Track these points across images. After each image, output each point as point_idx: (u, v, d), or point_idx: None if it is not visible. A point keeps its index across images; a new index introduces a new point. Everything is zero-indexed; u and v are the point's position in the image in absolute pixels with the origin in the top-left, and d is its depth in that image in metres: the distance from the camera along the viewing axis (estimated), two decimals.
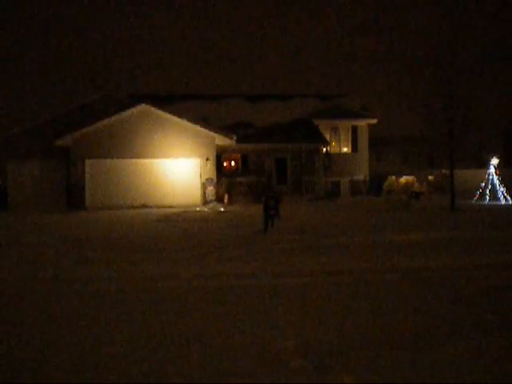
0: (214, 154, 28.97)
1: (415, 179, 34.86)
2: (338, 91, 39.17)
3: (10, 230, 18.05)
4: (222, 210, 25.25)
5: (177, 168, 28.36)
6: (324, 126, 34.23)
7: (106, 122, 28.11)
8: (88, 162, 27.86)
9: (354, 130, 35.08)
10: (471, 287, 8.39)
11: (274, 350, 5.55)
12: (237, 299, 7.76)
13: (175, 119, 28.59)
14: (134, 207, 26.75)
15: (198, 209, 25.55)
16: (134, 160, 28.01)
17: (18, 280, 9.42)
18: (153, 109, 28.53)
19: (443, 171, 33.49)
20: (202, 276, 9.56)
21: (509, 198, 28.85)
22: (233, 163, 32.93)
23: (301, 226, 17.91)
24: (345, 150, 35.29)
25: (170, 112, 29.27)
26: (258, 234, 15.99)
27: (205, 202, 27.71)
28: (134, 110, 28.34)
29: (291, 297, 7.87)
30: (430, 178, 37.15)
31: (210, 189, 28.17)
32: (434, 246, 12.96)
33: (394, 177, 35.55)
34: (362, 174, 34.74)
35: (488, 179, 29.63)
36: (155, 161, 28.17)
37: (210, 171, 28.52)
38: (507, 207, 25.94)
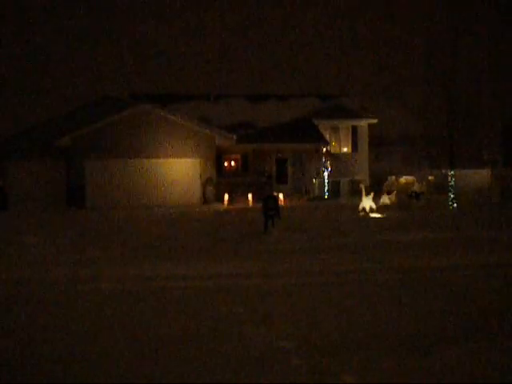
0: (214, 154, 28.97)
1: (415, 179, 34.82)
2: (338, 91, 39.18)
3: (9, 230, 18.04)
4: (222, 209, 25.25)
5: (177, 168, 28.36)
6: (324, 126, 34.21)
7: (106, 121, 28.10)
8: (88, 162, 27.85)
9: (354, 129, 35.06)
10: (471, 287, 8.38)
11: (274, 350, 5.54)
12: (237, 299, 7.76)
13: (175, 119, 28.58)
14: (134, 207, 26.74)
15: (197, 209, 25.57)
16: (134, 160, 28.01)
17: (18, 280, 9.41)
18: (153, 109, 28.52)
19: (443, 171, 33.49)
20: (201, 276, 9.55)
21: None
22: (233, 163, 32.93)
23: (301, 226, 17.90)
24: (345, 149, 35.28)
25: (170, 112, 29.27)
26: (258, 233, 15.98)
27: (205, 202, 27.71)
28: (134, 110, 28.34)
29: (291, 297, 7.86)
30: (430, 178, 37.12)
31: (210, 189, 28.17)
32: (435, 245, 12.95)
33: (394, 177, 35.53)
34: (362, 174, 34.72)
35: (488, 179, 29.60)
36: (155, 161, 28.16)
37: (210, 171, 28.52)
38: (506, 207, 25.89)
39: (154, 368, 5.13)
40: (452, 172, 24.68)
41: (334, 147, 34.71)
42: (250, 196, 28.20)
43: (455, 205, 23.98)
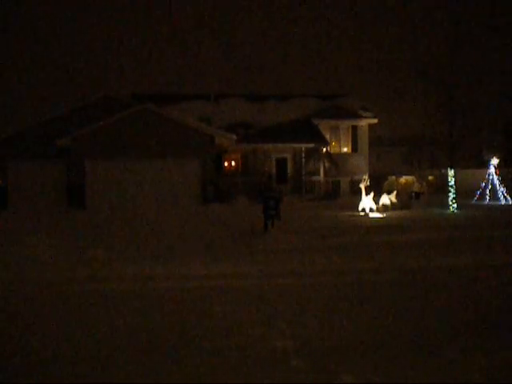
0: (214, 154, 28.99)
1: (415, 179, 34.87)
2: (338, 91, 39.18)
3: (9, 230, 18.04)
4: (222, 209, 25.24)
5: (177, 168, 28.38)
6: (324, 126, 34.24)
7: (106, 122, 28.12)
8: (88, 162, 27.87)
9: (354, 129, 35.10)
10: (471, 287, 8.39)
11: (274, 350, 5.55)
12: (236, 299, 7.76)
13: (175, 119, 28.60)
14: (134, 207, 26.76)
15: (197, 209, 25.57)
16: (134, 160, 28.03)
17: (18, 280, 9.42)
18: (153, 109, 28.54)
19: (443, 171, 33.51)
20: (201, 276, 9.56)
21: (509, 197, 28.87)
22: (233, 163, 32.95)
23: (301, 226, 17.90)
24: (345, 149, 35.31)
25: (170, 112, 29.28)
26: (258, 234, 15.99)
27: (205, 202, 27.72)
28: (134, 110, 28.35)
29: (291, 297, 7.87)
30: (430, 177, 37.17)
31: (210, 189, 28.19)
32: (434, 245, 12.96)
33: (394, 177, 35.57)
34: (362, 174, 34.76)
35: (488, 179, 29.65)
36: (155, 160, 28.18)
37: (210, 171, 28.53)
38: (507, 207, 25.95)
39: (153, 368, 5.13)
40: (452, 172, 24.68)
41: (333, 147, 34.75)
42: (249, 196, 28.21)
43: (455, 205, 24.00)
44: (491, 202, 28.39)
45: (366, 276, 9.35)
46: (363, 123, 35.24)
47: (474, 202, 28.69)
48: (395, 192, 25.99)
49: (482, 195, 29.43)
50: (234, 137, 29.63)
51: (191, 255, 12.03)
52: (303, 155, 32.52)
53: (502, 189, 29.24)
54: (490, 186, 29.46)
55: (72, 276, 9.71)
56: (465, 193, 29.73)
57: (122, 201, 27.41)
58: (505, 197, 28.98)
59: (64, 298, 8.06)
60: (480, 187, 29.78)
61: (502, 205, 27.48)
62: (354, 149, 35.18)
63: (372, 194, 23.00)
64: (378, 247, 12.85)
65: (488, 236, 14.58)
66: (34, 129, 29.80)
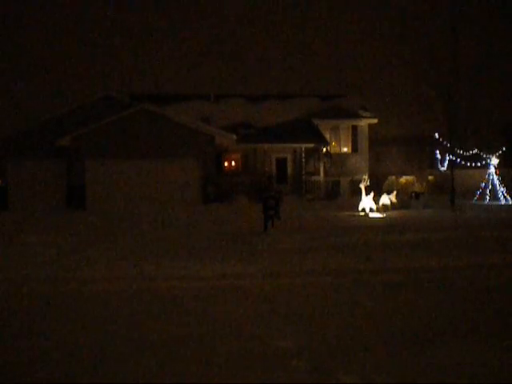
0: (214, 154, 28.99)
1: (415, 179, 34.87)
2: (338, 91, 39.17)
3: (10, 230, 18.04)
4: (222, 209, 25.26)
5: (177, 168, 28.39)
6: (324, 126, 34.22)
7: (106, 121, 28.14)
8: (88, 162, 27.88)
9: (354, 129, 35.07)
10: (471, 287, 8.39)
11: (274, 350, 5.54)
12: (236, 299, 7.76)
13: (175, 119, 28.61)
14: (134, 207, 26.75)
15: (197, 209, 25.58)
16: (134, 160, 28.04)
17: (18, 280, 9.41)
18: (153, 109, 28.55)
19: (443, 171, 33.50)
20: (201, 276, 9.56)
21: (509, 197, 28.87)
22: (233, 163, 32.95)
23: (301, 226, 17.90)
24: (345, 149, 35.29)
25: (169, 112, 29.28)
26: (258, 233, 15.99)
27: (205, 202, 27.73)
28: (134, 110, 28.37)
29: (291, 297, 7.87)
30: (430, 178, 37.17)
31: (210, 188, 28.20)
32: (434, 245, 12.96)
33: (394, 177, 35.57)
34: (362, 174, 34.73)
35: (488, 179, 29.65)
36: (155, 160, 28.19)
37: (210, 171, 28.54)
38: (507, 207, 25.95)
39: (153, 368, 5.13)
40: (452, 172, 24.69)
41: (333, 147, 34.72)
42: (249, 196, 28.21)
43: (455, 204, 23.99)
44: (491, 202, 28.39)
45: (365, 276, 9.34)
46: (363, 123, 35.21)
47: (474, 202, 28.70)
48: (395, 192, 25.99)
49: (482, 195, 29.43)
50: (234, 137, 29.63)
51: (191, 255, 12.03)
52: (303, 155, 32.51)
53: (502, 189, 29.24)
54: (490, 186, 29.46)
55: (72, 276, 9.70)
56: (465, 193, 29.73)
57: (122, 201, 27.41)
58: (505, 197, 28.98)
59: (64, 297, 8.05)
60: (480, 187, 29.78)
61: (502, 205, 27.48)
62: (354, 149, 35.15)
63: (372, 194, 23.00)
64: (377, 247, 12.84)
65: (488, 236, 14.58)
66: (33, 129, 29.83)
